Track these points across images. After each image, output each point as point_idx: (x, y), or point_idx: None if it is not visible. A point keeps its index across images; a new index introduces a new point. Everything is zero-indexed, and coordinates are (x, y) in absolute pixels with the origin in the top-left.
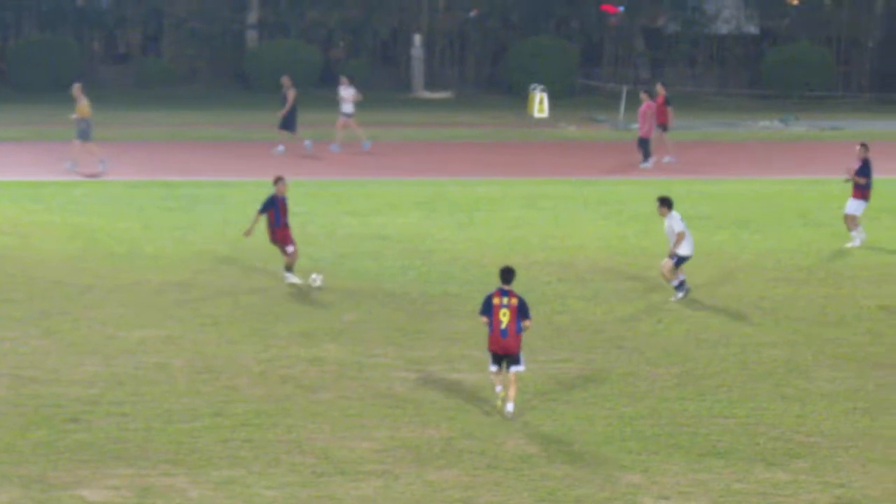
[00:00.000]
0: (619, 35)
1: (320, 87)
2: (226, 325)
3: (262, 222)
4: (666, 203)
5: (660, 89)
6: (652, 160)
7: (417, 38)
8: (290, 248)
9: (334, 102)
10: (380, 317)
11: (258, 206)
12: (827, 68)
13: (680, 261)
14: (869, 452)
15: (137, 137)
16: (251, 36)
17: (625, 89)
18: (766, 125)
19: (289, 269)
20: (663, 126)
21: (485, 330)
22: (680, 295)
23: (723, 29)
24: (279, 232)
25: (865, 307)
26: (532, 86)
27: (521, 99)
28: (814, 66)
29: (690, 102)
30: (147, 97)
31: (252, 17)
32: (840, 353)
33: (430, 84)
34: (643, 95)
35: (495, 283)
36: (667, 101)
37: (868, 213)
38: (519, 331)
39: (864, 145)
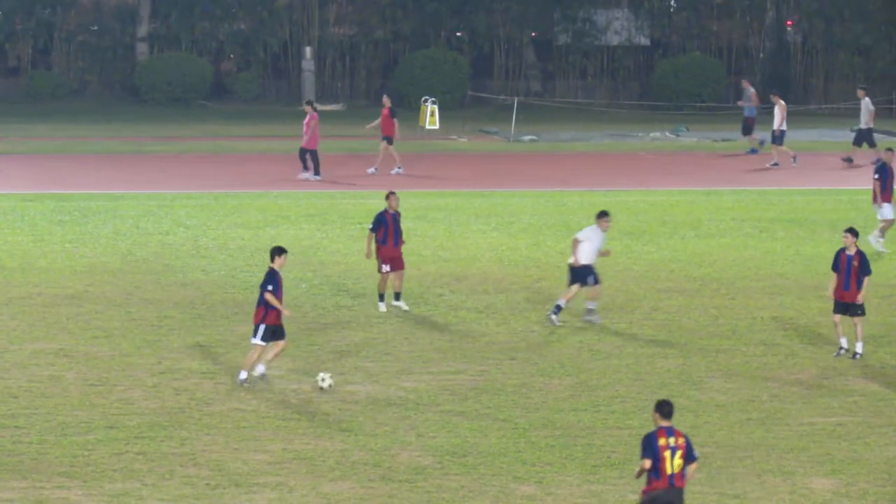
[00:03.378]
0: (510, 47)
1: (211, 99)
2: (118, 338)
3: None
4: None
5: (385, 101)
6: (311, 173)
7: (308, 51)
8: (385, 268)
9: (224, 115)
10: None
11: (369, 225)
12: (718, 79)
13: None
14: (764, 463)
15: (28, 151)
16: (141, 49)
17: (516, 101)
18: (658, 136)
19: (397, 296)
20: (389, 138)
21: (378, 340)
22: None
23: (613, 40)
24: (391, 251)
25: (759, 318)
26: (423, 98)
27: (412, 111)
28: (705, 77)
29: (582, 114)
30: (38, 110)
31: (142, 29)
32: (733, 364)
33: (321, 96)
34: (307, 107)
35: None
36: (392, 113)
37: (762, 225)
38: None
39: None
